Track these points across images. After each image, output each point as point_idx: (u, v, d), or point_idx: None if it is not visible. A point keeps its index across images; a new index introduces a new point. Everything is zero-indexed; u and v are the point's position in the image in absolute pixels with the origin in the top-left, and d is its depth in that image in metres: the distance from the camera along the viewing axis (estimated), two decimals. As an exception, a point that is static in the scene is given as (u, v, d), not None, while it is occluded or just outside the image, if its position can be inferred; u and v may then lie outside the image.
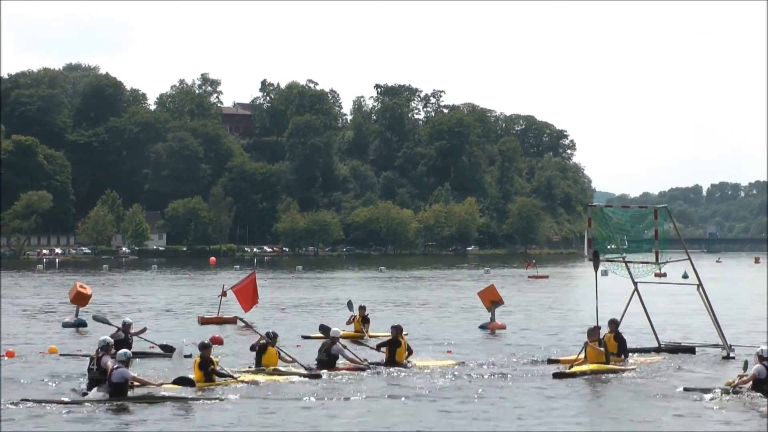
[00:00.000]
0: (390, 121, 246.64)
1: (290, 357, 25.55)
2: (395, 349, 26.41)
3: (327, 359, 25.46)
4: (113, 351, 22.09)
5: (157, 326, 39.45)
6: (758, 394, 20.74)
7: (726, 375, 24.02)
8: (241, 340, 32.81)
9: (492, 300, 37.65)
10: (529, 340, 33.31)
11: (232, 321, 39.77)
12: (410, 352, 26.71)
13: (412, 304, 53.45)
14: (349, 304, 36.32)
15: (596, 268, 28.59)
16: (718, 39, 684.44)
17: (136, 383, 21.36)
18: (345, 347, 25.96)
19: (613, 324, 26.32)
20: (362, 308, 35.88)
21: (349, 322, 35.37)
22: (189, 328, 38.35)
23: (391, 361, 26.25)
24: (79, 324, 38.20)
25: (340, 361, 25.64)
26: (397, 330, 26.79)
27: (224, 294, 41.64)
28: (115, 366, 21.01)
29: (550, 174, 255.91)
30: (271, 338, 25.11)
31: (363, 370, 25.34)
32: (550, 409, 20.25)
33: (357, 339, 33.37)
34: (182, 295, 62.62)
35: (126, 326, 27.92)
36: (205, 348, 23.30)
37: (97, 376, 21.73)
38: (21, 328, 38.49)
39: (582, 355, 25.24)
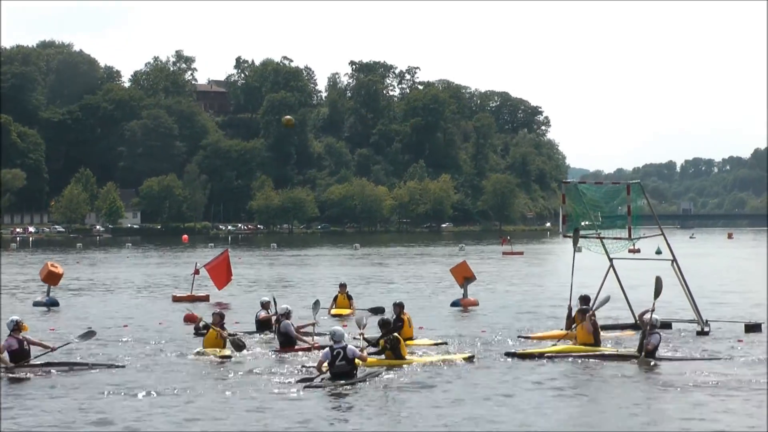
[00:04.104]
0: (365, 97, 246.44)
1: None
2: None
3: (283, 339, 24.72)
4: (21, 332, 21.63)
5: (132, 304, 39.27)
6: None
7: (699, 349, 24.25)
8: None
9: (464, 276, 37.51)
10: (501, 317, 33.16)
11: (205, 299, 39.77)
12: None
13: (385, 281, 53.38)
14: (316, 304, 29.25)
15: (575, 244, 28.95)
16: (692, 15, 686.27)
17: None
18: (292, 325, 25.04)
19: (584, 300, 26.37)
20: (343, 285, 35.61)
21: (333, 301, 34.92)
22: (162, 306, 38.11)
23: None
24: (51, 303, 37.88)
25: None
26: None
27: (197, 272, 41.43)
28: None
29: (525, 150, 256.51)
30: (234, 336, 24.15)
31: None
32: (519, 390, 19.57)
33: (347, 316, 33.14)
34: (156, 273, 62.33)
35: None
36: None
37: None
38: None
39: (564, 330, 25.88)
